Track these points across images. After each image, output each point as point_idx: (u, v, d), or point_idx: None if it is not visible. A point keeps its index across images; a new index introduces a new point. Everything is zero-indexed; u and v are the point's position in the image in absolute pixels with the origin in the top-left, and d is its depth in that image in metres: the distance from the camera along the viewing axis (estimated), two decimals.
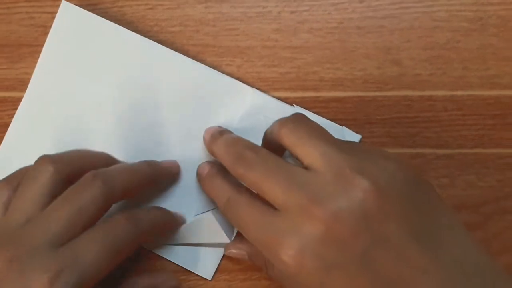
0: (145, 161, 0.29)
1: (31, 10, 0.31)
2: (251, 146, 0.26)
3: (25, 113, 0.30)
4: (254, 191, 0.26)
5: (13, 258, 0.24)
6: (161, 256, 0.30)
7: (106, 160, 0.28)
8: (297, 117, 0.26)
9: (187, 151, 0.30)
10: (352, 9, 0.31)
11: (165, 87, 0.30)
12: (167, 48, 0.30)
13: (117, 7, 0.31)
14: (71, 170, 0.26)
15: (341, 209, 0.22)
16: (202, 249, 0.31)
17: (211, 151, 0.28)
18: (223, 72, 0.31)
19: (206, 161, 0.30)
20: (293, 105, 0.30)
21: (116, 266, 0.26)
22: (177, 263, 0.31)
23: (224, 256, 0.30)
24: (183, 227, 0.30)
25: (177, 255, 0.31)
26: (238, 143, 0.27)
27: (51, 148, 0.28)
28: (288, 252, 0.23)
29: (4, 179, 0.27)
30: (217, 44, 0.31)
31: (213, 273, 0.31)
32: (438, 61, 0.31)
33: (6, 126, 0.30)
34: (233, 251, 0.29)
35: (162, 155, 0.30)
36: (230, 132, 0.29)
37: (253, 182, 0.25)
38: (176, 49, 0.30)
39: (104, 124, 0.30)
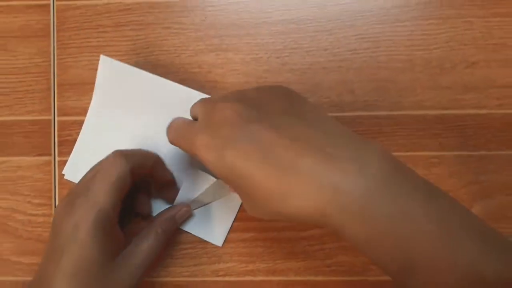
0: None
1: (92, 59, 0.40)
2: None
3: (86, 133, 0.39)
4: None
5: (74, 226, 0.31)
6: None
7: (156, 160, 0.36)
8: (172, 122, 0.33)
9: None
10: (319, 55, 0.40)
11: None
12: (186, 87, 0.38)
13: (153, 55, 0.40)
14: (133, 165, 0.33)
15: (234, 102, 0.28)
16: (212, 220, 0.38)
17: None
18: None
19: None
20: None
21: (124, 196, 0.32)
22: (192, 233, 0.39)
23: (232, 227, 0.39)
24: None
25: (192, 226, 0.39)
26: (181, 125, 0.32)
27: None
28: (202, 142, 0.28)
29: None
30: (224, 81, 0.40)
31: (222, 241, 0.39)
32: (381, 90, 0.39)
33: (75, 141, 0.40)
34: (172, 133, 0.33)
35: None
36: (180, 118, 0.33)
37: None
38: (196, 85, 0.39)
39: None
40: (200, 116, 0.30)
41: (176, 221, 0.37)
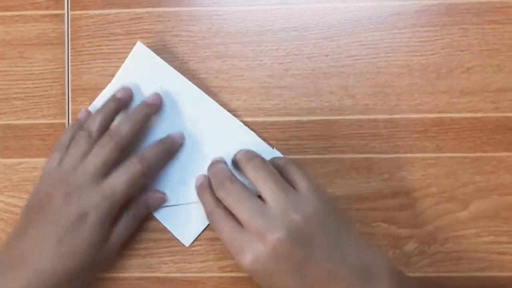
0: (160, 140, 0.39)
1: (104, 65, 0.42)
2: (230, 177, 0.36)
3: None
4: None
5: (67, 193, 0.35)
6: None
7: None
8: (257, 161, 0.36)
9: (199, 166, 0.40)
10: (321, 61, 0.41)
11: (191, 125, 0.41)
12: (210, 98, 0.40)
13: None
14: (100, 134, 0.37)
15: (283, 236, 0.32)
16: (188, 218, 0.40)
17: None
18: (234, 104, 0.41)
19: (202, 174, 0.39)
20: (273, 148, 0.40)
21: (133, 193, 0.36)
22: (164, 224, 0.40)
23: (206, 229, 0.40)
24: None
25: (165, 217, 0.40)
26: (223, 173, 0.37)
27: None
28: (247, 259, 0.33)
29: (58, 144, 0.38)
30: (230, 86, 0.41)
31: (191, 241, 0.40)
32: (380, 94, 0.41)
33: None
34: (199, 185, 0.39)
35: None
36: (223, 162, 0.38)
37: (228, 204, 0.35)
38: (203, 90, 0.40)
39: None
40: (253, 228, 0.33)
41: (148, 207, 0.40)
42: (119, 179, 0.36)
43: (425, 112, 0.41)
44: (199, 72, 0.42)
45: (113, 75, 0.42)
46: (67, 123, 0.42)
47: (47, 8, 0.43)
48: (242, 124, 0.41)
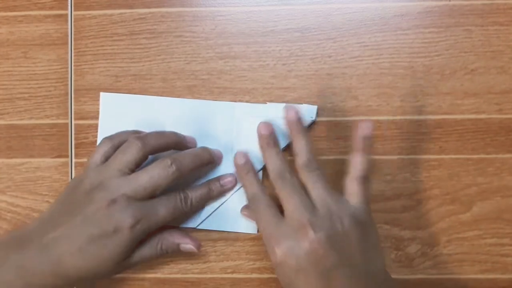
0: (203, 148, 0.39)
1: (107, 65, 0.42)
2: (290, 170, 0.36)
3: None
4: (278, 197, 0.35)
5: (112, 200, 0.34)
6: (205, 229, 0.40)
7: (176, 139, 0.38)
8: (311, 164, 0.36)
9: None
10: (324, 62, 0.41)
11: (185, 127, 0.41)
12: (174, 98, 0.41)
13: (165, 62, 0.42)
14: (152, 148, 0.36)
15: (323, 237, 0.32)
16: (236, 211, 0.40)
17: (262, 152, 0.37)
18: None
19: (241, 152, 0.38)
20: (266, 103, 0.40)
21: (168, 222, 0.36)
22: (221, 229, 0.40)
23: None
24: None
25: (219, 223, 0.40)
26: (284, 164, 0.36)
27: None
28: (281, 249, 0.33)
29: (109, 137, 0.37)
30: (232, 87, 0.41)
31: (256, 227, 0.40)
32: (383, 96, 0.41)
33: (93, 144, 0.42)
34: (245, 213, 0.40)
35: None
36: (277, 145, 0.37)
37: (281, 193, 0.35)
38: (205, 91, 0.41)
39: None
40: (296, 221, 0.34)
41: (178, 249, 0.39)
42: (163, 204, 0.36)
43: (428, 113, 0.41)
44: (202, 72, 0.42)
45: (116, 76, 0.42)
46: (70, 123, 0.42)
47: (51, 8, 0.43)
48: (228, 102, 0.41)
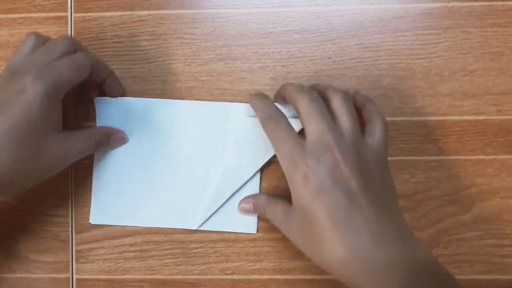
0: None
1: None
2: (318, 95, 0.35)
3: (99, 175, 0.41)
4: (299, 117, 0.34)
5: (12, 71, 0.34)
6: (205, 230, 0.40)
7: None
8: (343, 93, 0.35)
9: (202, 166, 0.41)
10: (323, 63, 0.41)
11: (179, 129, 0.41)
12: (170, 99, 0.41)
13: (165, 64, 0.42)
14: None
15: (349, 161, 0.32)
16: (237, 211, 0.40)
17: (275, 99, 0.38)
18: None
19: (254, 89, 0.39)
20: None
21: (75, 82, 0.35)
22: (221, 230, 0.40)
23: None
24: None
25: (219, 224, 0.40)
26: (306, 87, 0.36)
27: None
28: (307, 165, 0.32)
29: (38, 36, 0.37)
30: (232, 88, 0.41)
31: (256, 227, 0.40)
32: (383, 97, 0.41)
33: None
34: (244, 205, 0.40)
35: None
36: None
37: (304, 112, 0.34)
38: (204, 92, 0.41)
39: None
40: (321, 141, 0.33)
41: (109, 142, 0.40)
42: (62, 62, 0.35)
43: (427, 114, 0.41)
44: (202, 74, 0.42)
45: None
46: (70, 124, 0.42)
47: (51, 10, 0.43)
48: (225, 103, 0.41)
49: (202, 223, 0.41)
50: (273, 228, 0.41)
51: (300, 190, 0.32)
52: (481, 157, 0.41)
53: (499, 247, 0.40)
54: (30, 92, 0.33)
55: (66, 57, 0.35)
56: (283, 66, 0.42)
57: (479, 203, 0.40)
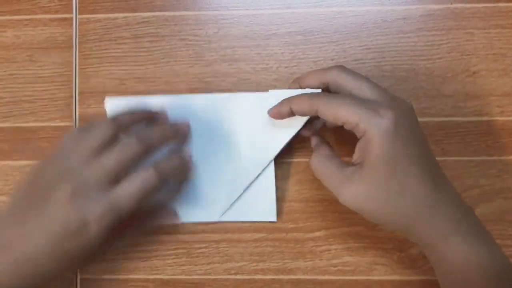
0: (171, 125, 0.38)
1: (111, 68, 0.42)
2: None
3: None
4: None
5: (73, 193, 0.31)
6: (208, 230, 0.41)
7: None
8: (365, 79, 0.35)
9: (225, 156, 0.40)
10: (326, 65, 0.41)
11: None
12: (183, 95, 0.41)
13: (169, 65, 0.42)
14: (119, 128, 0.34)
15: (406, 114, 0.33)
16: (255, 200, 0.40)
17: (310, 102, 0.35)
18: None
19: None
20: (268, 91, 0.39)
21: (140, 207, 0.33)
22: (241, 220, 0.40)
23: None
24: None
25: (238, 214, 0.40)
26: None
27: None
28: (388, 115, 0.32)
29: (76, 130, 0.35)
30: (236, 89, 0.42)
31: (275, 214, 0.40)
32: None
33: None
34: (278, 109, 0.37)
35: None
36: None
37: (350, 82, 0.35)
38: (209, 93, 0.41)
39: None
40: (381, 98, 0.33)
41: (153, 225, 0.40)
42: (130, 191, 0.33)
43: (430, 115, 0.41)
44: (206, 75, 0.42)
45: (120, 79, 0.42)
46: (74, 126, 0.43)
47: (56, 12, 0.43)
48: (230, 94, 0.41)
49: (223, 214, 0.41)
50: (275, 229, 0.41)
51: (386, 142, 0.32)
52: (484, 158, 0.41)
53: (502, 248, 0.40)
54: (94, 229, 0.32)
55: (133, 176, 0.33)
56: (286, 67, 0.42)
57: (482, 204, 0.41)
